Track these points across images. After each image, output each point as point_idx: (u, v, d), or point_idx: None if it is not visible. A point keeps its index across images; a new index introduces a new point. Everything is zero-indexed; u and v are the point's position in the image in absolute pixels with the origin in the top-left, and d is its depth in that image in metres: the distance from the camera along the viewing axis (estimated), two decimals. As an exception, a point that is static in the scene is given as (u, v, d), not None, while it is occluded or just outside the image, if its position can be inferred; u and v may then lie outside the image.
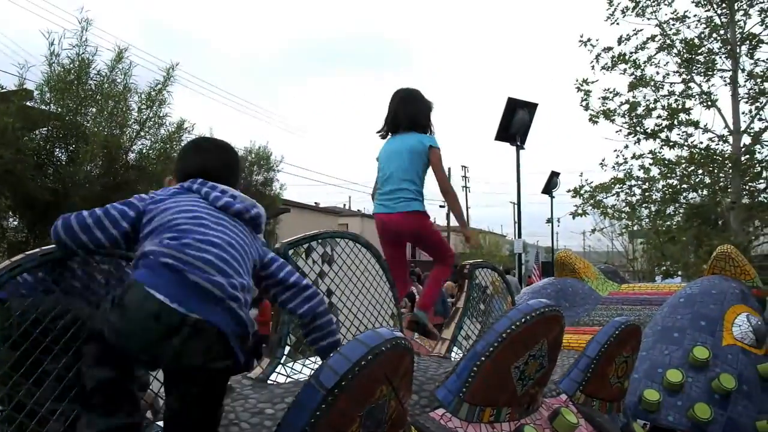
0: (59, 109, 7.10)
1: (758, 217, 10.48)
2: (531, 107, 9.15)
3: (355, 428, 1.23)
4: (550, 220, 12.28)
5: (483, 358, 1.74)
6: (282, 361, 1.77)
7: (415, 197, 2.86)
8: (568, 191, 11.28)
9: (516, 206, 11.01)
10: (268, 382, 1.71)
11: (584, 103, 11.58)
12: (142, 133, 7.68)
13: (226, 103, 55.03)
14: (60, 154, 7.29)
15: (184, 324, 1.21)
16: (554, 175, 12.78)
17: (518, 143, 9.05)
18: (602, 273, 4.44)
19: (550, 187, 12.71)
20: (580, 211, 11.25)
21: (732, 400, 2.74)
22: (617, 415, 2.44)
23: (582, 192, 11.17)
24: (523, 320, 1.76)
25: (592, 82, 11.52)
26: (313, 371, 1.22)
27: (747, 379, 2.84)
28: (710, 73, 10.97)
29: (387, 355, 1.24)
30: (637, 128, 11.15)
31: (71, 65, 7.17)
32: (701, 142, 11.06)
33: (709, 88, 11.12)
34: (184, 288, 1.26)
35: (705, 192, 11.22)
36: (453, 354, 2.36)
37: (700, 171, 11.01)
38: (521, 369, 1.81)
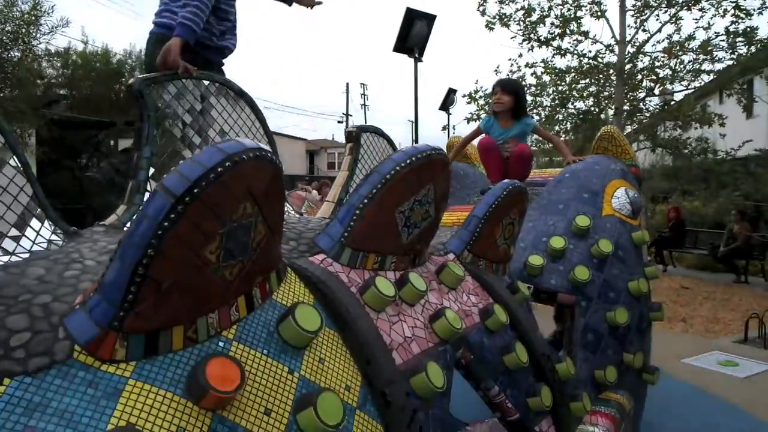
0: None
1: (638, 123, 11.14)
2: (429, 19, 9.00)
3: (214, 248, 1.09)
4: (446, 128, 12.44)
5: (366, 201, 1.63)
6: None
7: None
8: (463, 96, 11.39)
9: (413, 123, 10.97)
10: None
11: (481, 8, 11.56)
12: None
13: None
14: None
15: None
16: (451, 92, 12.87)
17: (416, 56, 8.93)
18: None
19: (447, 104, 12.83)
20: (474, 117, 11.43)
21: (608, 263, 2.88)
22: (503, 276, 2.48)
23: (476, 97, 11.32)
24: (408, 161, 1.65)
25: (490, -14, 11.46)
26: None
27: (622, 245, 2.98)
28: (602, -19, 11.20)
29: (249, 166, 1.08)
30: (531, 35, 11.32)
31: None
32: (590, 51, 11.45)
33: (599, -3, 11.39)
34: None
35: (591, 101, 11.73)
36: (339, 217, 2.26)
37: (587, 80, 11.44)
38: (406, 215, 1.73)
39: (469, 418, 2.85)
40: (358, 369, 1.43)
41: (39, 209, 1.30)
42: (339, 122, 41.42)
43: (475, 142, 4.23)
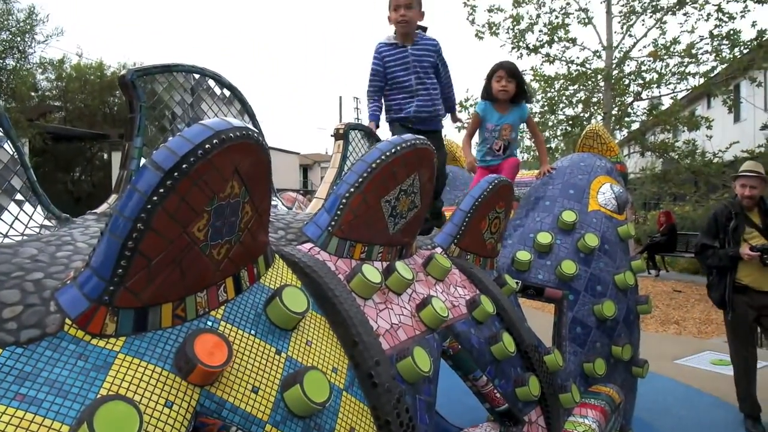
0: None
1: (627, 127, 11.25)
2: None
3: (202, 225, 1.12)
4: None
5: (352, 190, 1.66)
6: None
7: None
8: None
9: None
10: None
11: (470, 18, 11.67)
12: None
13: None
14: None
15: None
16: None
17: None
18: (482, 162, 4.52)
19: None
20: (465, 126, 11.50)
21: (595, 257, 2.92)
22: (491, 270, 2.51)
23: (467, 105, 11.40)
24: (393, 150, 1.69)
25: (478, -4, 11.57)
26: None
27: (608, 240, 3.02)
28: (589, -14, 11.34)
29: (236, 145, 1.12)
30: (520, 43, 11.44)
31: None
32: (578, 57, 11.59)
33: (586, 4, 11.56)
34: None
35: (580, 107, 11.84)
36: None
37: (575, 86, 11.55)
38: (392, 204, 1.76)
39: (465, 423, 2.88)
40: (344, 352, 1.46)
41: (32, 194, 1.33)
42: (332, 136, 41.31)
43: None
